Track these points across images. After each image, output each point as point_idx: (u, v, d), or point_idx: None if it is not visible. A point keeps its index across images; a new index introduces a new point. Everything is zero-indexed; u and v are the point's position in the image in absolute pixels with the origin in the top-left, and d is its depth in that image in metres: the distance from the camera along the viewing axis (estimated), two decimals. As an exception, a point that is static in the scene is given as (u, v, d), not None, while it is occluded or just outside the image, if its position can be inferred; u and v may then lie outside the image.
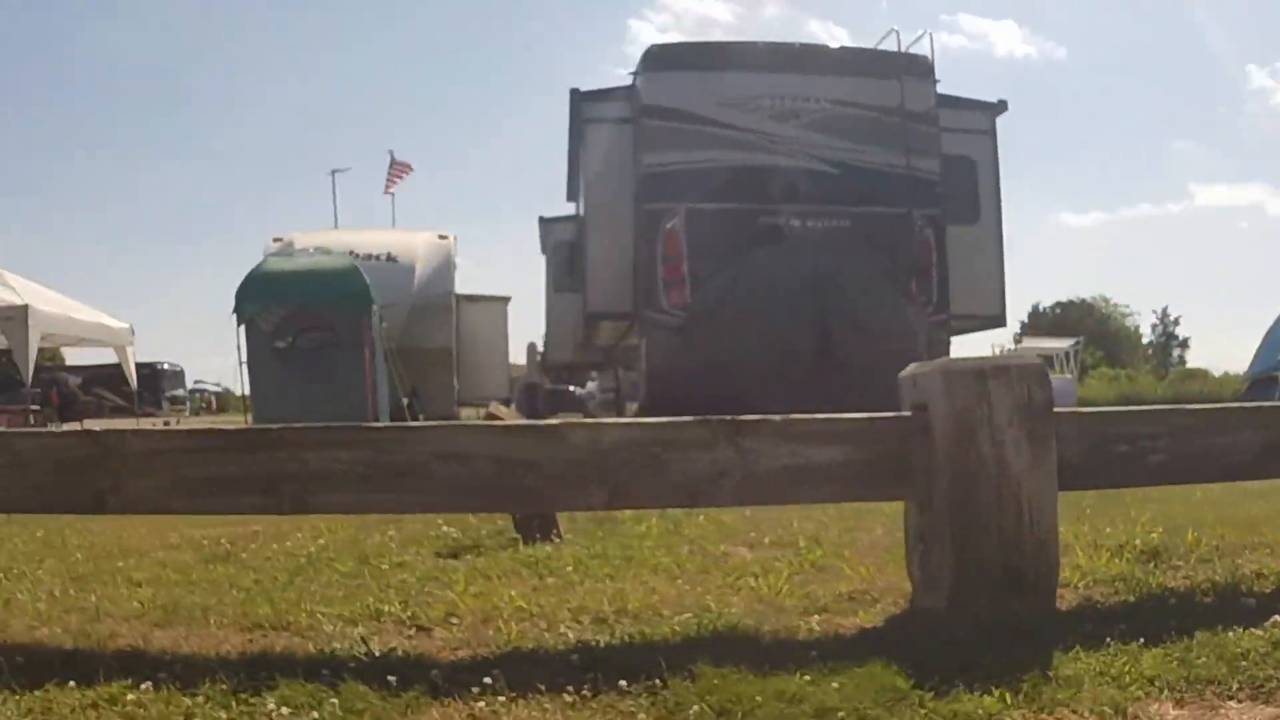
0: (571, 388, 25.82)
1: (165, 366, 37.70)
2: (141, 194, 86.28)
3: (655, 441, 2.80)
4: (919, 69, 10.00)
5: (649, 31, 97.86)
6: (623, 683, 2.29)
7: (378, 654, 2.56)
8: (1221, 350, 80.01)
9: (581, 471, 2.74)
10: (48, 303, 13.25)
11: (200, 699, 2.15)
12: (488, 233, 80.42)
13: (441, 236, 13.82)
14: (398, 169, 19.08)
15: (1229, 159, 77.01)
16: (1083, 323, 39.01)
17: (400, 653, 2.59)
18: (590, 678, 2.34)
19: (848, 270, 9.08)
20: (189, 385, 37.11)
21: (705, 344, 8.84)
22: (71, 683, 2.20)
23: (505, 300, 17.33)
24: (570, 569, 3.59)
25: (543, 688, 2.30)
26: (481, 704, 2.22)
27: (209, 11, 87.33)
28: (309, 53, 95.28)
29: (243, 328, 10.92)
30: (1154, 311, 48.08)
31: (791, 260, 9.08)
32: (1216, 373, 30.13)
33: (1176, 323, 46.62)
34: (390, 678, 2.27)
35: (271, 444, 2.66)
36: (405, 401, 11.18)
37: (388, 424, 2.81)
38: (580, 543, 4.13)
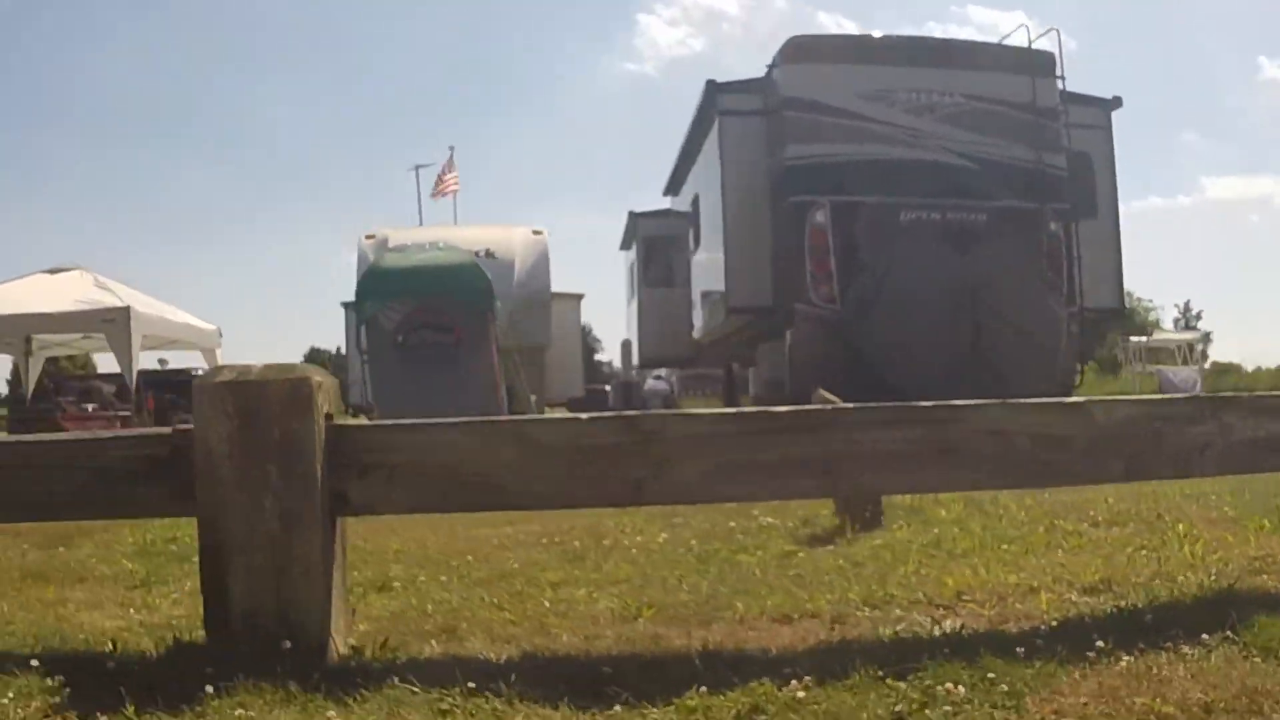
0: (605, 387, 25.73)
1: (198, 372, 37.17)
2: (155, 192, 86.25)
3: (1156, 417, 2.88)
4: (1045, 65, 10.09)
5: (657, 25, 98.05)
6: (1204, 635, 2.42)
7: (949, 632, 2.60)
8: (1239, 343, 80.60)
9: (1104, 446, 2.80)
10: (144, 305, 13.18)
11: (859, 690, 2.14)
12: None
13: (536, 232, 13.80)
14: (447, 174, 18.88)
15: (1240, 151, 77.91)
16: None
17: (966, 630, 2.64)
18: (1173, 633, 2.44)
19: (997, 263, 9.18)
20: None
21: (859, 337, 8.90)
22: (703, 688, 2.14)
23: (579, 297, 17.34)
24: (970, 550, 3.65)
25: (1143, 646, 2.38)
26: (1122, 664, 2.29)
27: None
28: (313, 59, 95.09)
29: (363, 325, 10.90)
30: (1175, 305, 48.26)
31: (941, 254, 9.17)
32: (1248, 367, 30.43)
33: (1199, 317, 46.89)
34: (1018, 649, 2.33)
35: (824, 424, 2.67)
36: (533, 399, 11.18)
37: (935, 403, 2.80)
38: (917, 527, 4.18)
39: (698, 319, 12.33)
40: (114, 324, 12.43)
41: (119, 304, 12.53)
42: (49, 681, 2.24)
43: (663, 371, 19.40)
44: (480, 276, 10.90)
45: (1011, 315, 9.05)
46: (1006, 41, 10.43)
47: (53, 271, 14.05)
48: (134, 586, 3.67)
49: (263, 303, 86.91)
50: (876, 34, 10.10)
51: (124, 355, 12.51)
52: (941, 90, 9.68)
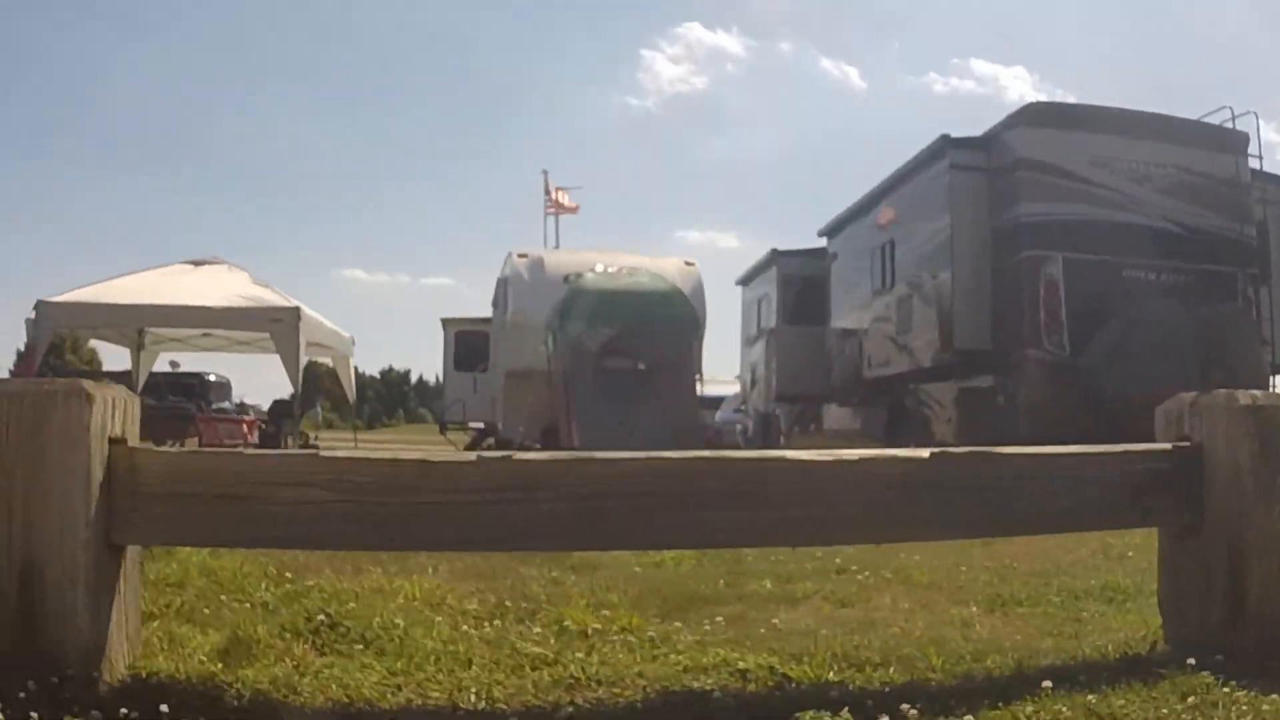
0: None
1: (213, 378, 35.38)
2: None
3: None
4: (1243, 144, 10.82)
5: (661, 61, 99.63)
6: None
7: None
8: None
9: None
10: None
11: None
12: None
13: (688, 263, 14.07)
14: (560, 198, 19.04)
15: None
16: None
17: None
18: None
19: (1218, 321, 9.75)
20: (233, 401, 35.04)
21: (1097, 384, 9.35)
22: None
23: (691, 329, 17.55)
24: None
25: None
26: None
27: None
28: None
29: (565, 345, 11.01)
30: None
31: (1166, 309, 9.71)
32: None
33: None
34: None
35: None
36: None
37: None
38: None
39: (865, 357, 12.74)
40: (281, 324, 12.16)
41: (287, 304, 12.32)
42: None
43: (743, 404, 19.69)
44: (685, 304, 11.15)
45: (1236, 370, 9.57)
46: (1208, 120, 11.08)
47: (196, 263, 13.75)
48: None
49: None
50: (1105, 105, 10.67)
51: (290, 357, 12.24)
52: (1158, 161, 10.29)
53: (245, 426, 15.45)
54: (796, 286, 14.84)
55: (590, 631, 2.96)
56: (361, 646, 2.68)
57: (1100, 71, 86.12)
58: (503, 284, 14.88)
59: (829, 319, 14.22)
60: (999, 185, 10.35)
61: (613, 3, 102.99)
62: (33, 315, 12.97)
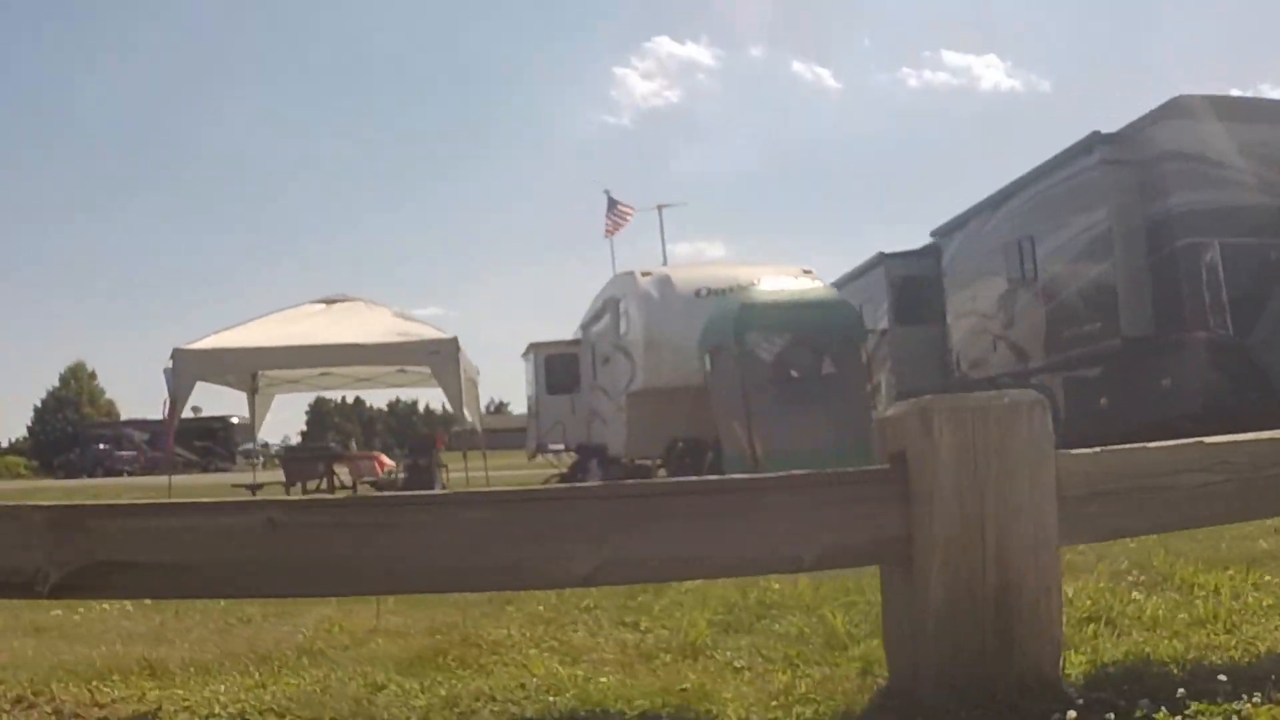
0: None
1: (235, 420, 34.79)
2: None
3: None
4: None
5: (634, 78, 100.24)
6: None
7: None
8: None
9: None
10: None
11: None
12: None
13: (806, 271, 14.52)
14: (620, 212, 19.46)
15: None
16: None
17: None
18: None
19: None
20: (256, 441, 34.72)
21: (1258, 364, 10.01)
22: None
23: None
24: None
25: None
26: None
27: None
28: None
29: (741, 358, 11.38)
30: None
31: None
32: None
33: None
34: None
35: None
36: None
37: None
38: None
39: (999, 350, 13.35)
40: (439, 355, 12.33)
41: (444, 335, 12.52)
42: None
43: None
44: (851, 311, 11.60)
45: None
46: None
47: (329, 302, 13.92)
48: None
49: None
50: (1238, 94, 11.33)
51: (452, 388, 12.40)
52: (1290, 145, 11.01)
53: (377, 464, 15.66)
54: (903, 287, 15.45)
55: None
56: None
57: (1073, 53, 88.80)
58: (613, 304, 15.22)
59: (945, 317, 14.82)
60: (1148, 177, 11.02)
61: (581, 24, 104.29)
62: (170, 365, 13.07)
